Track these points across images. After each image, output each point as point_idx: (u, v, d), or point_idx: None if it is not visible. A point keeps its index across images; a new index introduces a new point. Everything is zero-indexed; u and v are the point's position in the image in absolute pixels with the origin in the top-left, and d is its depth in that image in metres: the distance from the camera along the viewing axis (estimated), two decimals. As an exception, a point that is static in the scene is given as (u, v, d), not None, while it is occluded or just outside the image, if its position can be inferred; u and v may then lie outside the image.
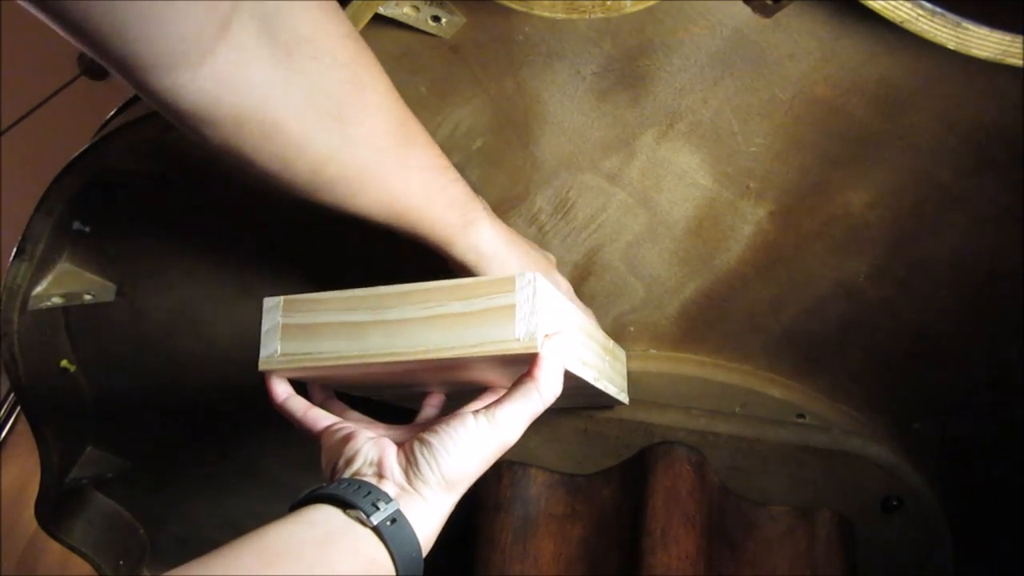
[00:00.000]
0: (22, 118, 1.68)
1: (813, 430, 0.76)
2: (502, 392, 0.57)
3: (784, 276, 0.70)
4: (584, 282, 0.75)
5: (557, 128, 0.65)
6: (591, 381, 0.60)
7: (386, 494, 0.47)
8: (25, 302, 0.71)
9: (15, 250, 0.69)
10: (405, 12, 0.58)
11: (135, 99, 0.71)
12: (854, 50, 0.57)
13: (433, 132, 0.66)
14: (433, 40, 0.60)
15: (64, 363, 0.80)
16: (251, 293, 0.76)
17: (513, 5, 0.57)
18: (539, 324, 0.49)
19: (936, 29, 0.53)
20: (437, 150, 0.57)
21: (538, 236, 0.73)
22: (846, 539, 0.80)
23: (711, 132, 0.63)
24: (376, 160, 0.53)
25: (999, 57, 0.53)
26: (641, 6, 0.56)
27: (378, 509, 0.45)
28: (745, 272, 0.71)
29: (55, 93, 1.72)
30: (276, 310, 0.55)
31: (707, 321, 0.75)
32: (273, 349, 0.54)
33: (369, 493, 0.46)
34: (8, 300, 0.71)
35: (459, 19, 0.58)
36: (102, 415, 0.86)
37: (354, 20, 0.58)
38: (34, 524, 0.92)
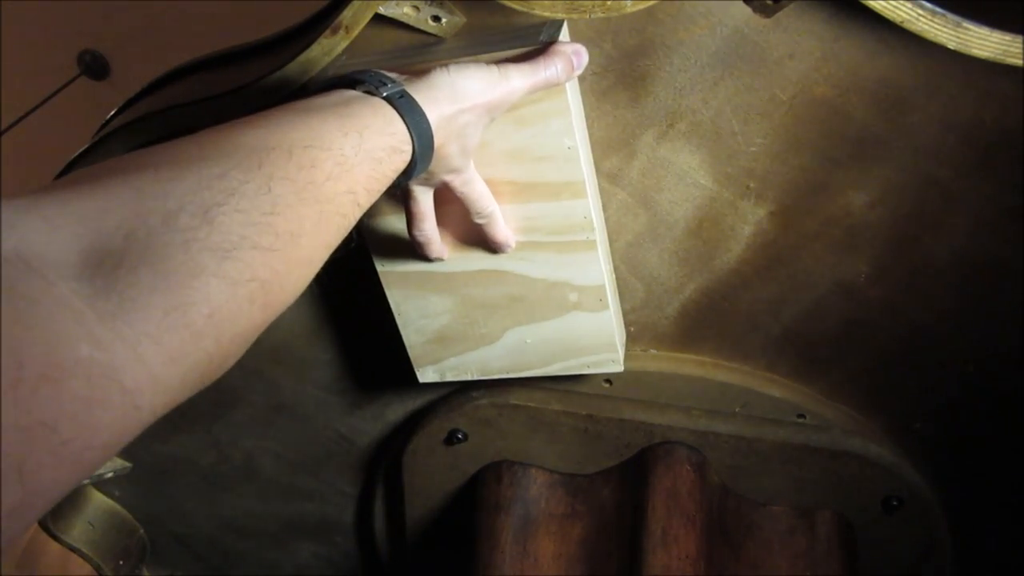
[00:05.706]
0: (22, 118, 1.68)
1: (813, 430, 0.76)
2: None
3: (784, 276, 0.70)
4: (584, 282, 0.75)
5: (557, 128, 0.65)
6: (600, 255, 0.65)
7: (391, 78, 0.51)
8: (25, 302, 0.71)
9: (15, 250, 0.68)
10: (405, 12, 0.58)
11: (135, 99, 0.71)
12: (854, 50, 0.57)
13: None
14: (433, 40, 0.60)
15: (64, 363, 0.80)
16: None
17: (513, 5, 0.57)
18: (560, 35, 0.56)
19: (936, 29, 0.53)
20: None
21: (538, 236, 0.73)
22: (846, 539, 0.80)
23: (711, 132, 0.63)
24: None
25: (999, 57, 0.53)
26: (641, 6, 0.56)
27: (385, 85, 0.50)
28: (745, 272, 0.71)
29: (55, 93, 1.72)
30: None
31: (707, 321, 0.75)
32: None
33: (374, 75, 0.51)
34: (8, 300, 0.70)
35: (459, 19, 0.58)
36: (102, 415, 0.86)
37: (354, 20, 0.58)
38: (34, 524, 0.92)
